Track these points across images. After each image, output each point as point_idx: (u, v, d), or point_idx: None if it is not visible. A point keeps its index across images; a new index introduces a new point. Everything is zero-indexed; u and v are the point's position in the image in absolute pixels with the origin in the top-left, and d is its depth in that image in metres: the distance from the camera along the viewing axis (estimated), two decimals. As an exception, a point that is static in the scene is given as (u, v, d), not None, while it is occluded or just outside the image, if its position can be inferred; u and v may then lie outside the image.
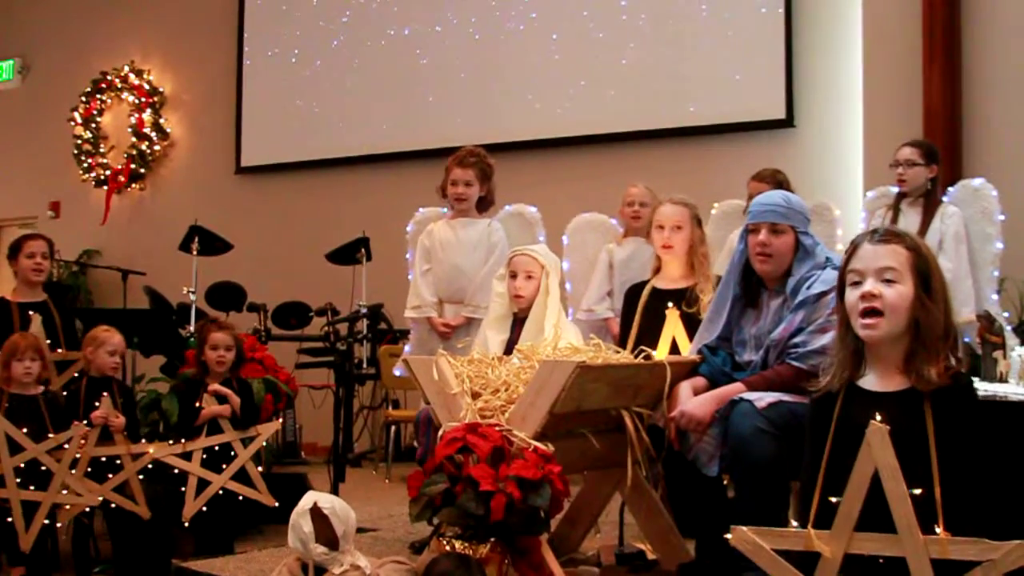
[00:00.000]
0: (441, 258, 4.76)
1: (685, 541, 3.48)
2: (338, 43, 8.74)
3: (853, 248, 2.50)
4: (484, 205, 4.83)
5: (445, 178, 4.76)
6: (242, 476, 4.38)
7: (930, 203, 4.90)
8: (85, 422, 4.18)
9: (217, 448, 4.40)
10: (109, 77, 10.00)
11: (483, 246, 4.74)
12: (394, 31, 8.44)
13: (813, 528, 2.34)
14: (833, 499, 2.32)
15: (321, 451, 7.19)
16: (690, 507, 3.45)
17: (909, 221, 4.83)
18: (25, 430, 4.08)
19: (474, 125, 7.81)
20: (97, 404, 4.23)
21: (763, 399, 3.04)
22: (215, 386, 4.47)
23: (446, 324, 4.71)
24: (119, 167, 9.89)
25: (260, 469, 4.45)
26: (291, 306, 7.20)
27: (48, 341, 4.70)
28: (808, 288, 3.19)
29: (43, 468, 4.07)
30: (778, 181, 4.94)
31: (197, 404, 4.42)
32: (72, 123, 10.12)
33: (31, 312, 4.74)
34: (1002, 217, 4.88)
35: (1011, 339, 4.13)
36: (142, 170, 9.83)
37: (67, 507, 4.10)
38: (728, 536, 2.38)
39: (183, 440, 4.37)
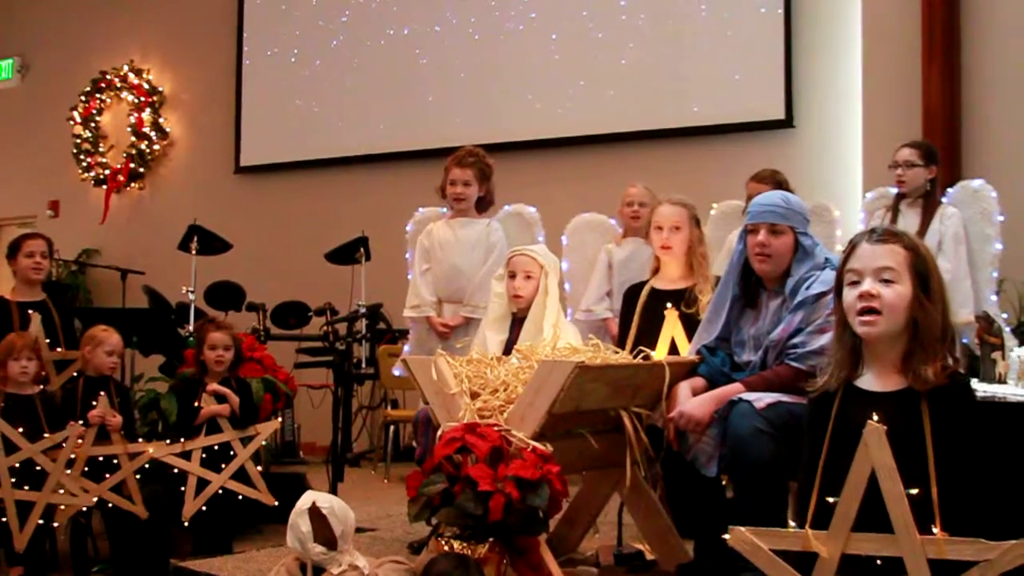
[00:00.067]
0: (440, 258, 4.76)
1: (684, 541, 3.48)
2: (337, 43, 8.74)
3: (851, 248, 2.51)
4: (483, 205, 4.83)
5: (444, 178, 4.76)
6: (241, 475, 4.38)
7: (929, 204, 4.90)
8: (81, 422, 4.17)
9: (216, 448, 4.40)
10: (108, 76, 9.99)
11: (482, 246, 4.74)
12: (393, 31, 8.44)
13: (811, 528, 2.34)
14: (830, 499, 2.32)
15: (320, 451, 7.19)
16: (689, 507, 3.45)
17: (908, 222, 4.82)
18: (21, 430, 4.08)
19: (473, 125, 7.81)
20: (94, 403, 4.23)
21: (762, 399, 3.04)
22: (214, 385, 4.47)
23: (444, 324, 4.71)
24: (118, 166, 9.89)
25: (259, 468, 4.45)
26: (290, 306, 7.21)
27: (47, 340, 4.70)
28: (807, 289, 3.19)
29: (38, 468, 4.07)
30: (777, 181, 4.93)
31: (196, 404, 4.42)
32: (71, 122, 10.11)
33: (31, 311, 4.73)
34: (1001, 218, 4.87)
35: (1010, 340, 4.13)
36: (141, 169, 9.83)
37: (62, 507, 4.10)
38: (726, 536, 2.38)
39: (182, 440, 4.37)
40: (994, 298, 4.89)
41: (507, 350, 3.81)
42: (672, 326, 3.78)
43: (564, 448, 3.05)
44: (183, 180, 9.66)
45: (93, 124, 10.08)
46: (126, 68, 9.92)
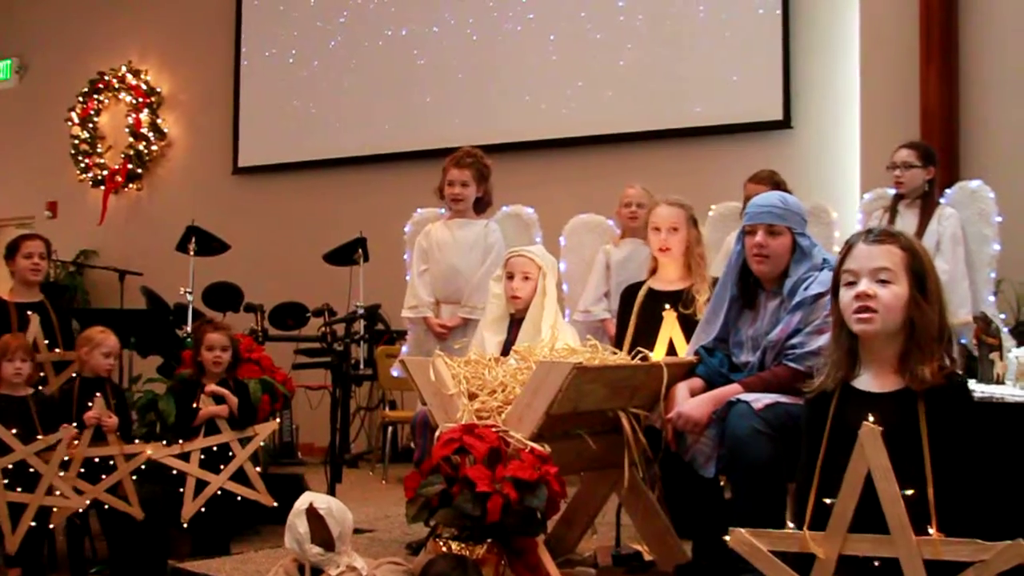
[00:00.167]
0: (438, 259, 4.76)
1: (682, 542, 3.48)
2: (335, 43, 8.74)
3: (848, 248, 2.51)
4: (481, 206, 4.83)
5: (442, 179, 4.76)
6: (240, 476, 4.37)
7: (927, 205, 4.90)
8: (75, 424, 4.16)
9: (215, 449, 4.40)
10: (106, 77, 9.99)
11: (480, 247, 4.74)
12: (391, 31, 8.44)
13: (809, 529, 2.34)
14: (828, 500, 2.32)
15: (318, 452, 7.19)
16: (687, 508, 3.44)
17: (906, 223, 4.82)
18: (14, 431, 4.05)
19: (471, 126, 7.81)
20: (90, 404, 4.22)
21: (760, 400, 3.04)
22: (212, 387, 4.47)
23: (442, 325, 4.71)
24: (116, 167, 9.88)
25: (258, 469, 4.45)
26: (288, 307, 7.21)
27: (46, 341, 4.70)
28: (805, 289, 3.19)
29: (31, 470, 4.05)
30: (775, 182, 4.92)
31: (194, 405, 4.42)
32: (69, 123, 10.11)
33: (29, 312, 4.72)
34: (999, 219, 4.88)
35: (1008, 341, 4.13)
36: (139, 170, 9.83)
37: (55, 509, 4.08)
38: (725, 537, 2.38)
39: (180, 441, 4.36)
40: (992, 299, 4.90)
41: (505, 351, 3.81)
42: (670, 327, 3.77)
43: (562, 449, 3.05)
44: (181, 181, 9.66)
45: (91, 125, 10.08)
46: (124, 69, 9.92)
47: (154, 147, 9.77)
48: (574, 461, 3.21)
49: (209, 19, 9.51)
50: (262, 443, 4.56)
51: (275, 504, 4.32)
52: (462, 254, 4.74)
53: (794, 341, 3.16)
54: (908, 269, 2.42)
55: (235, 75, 9.25)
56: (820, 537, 2.31)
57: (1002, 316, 4.93)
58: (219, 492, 4.31)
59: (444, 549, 2.87)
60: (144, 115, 9.78)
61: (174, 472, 4.31)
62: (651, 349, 3.62)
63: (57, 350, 4.73)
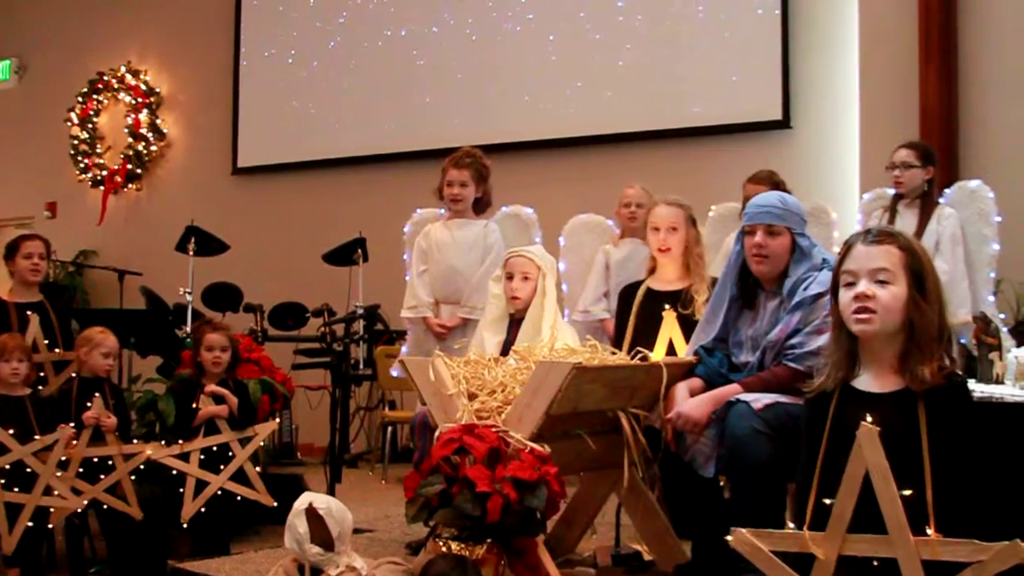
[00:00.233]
0: (437, 259, 4.76)
1: (681, 542, 3.48)
2: (335, 44, 8.74)
3: (847, 249, 2.51)
4: (481, 206, 4.82)
5: (441, 179, 4.76)
6: (240, 476, 4.38)
7: (927, 205, 4.90)
8: (72, 424, 4.15)
9: (215, 449, 4.40)
10: (106, 77, 10.00)
11: (479, 247, 4.74)
12: (391, 32, 8.44)
13: (809, 529, 2.34)
14: (827, 501, 2.32)
15: (317, 452, 7.19)
16: (687, 508, 3.44)
17: (906, 223, 4.83)
18: (11, 431, 4.05)
19: (471, 126, 7.81)
20: (89, 404, 4.22)
21: (760, 400, 3.04)
22: (212, 387, 4.47)
23: (441, 325, 4.71)
24: (115, 167, 9.89)
25: (258, 469, 4.45)
26: (288, 307, 7.21)
27: (46, 341, 4.69)
28: (805, 289, 3.19)
29: (29, 470, 4.04)
30: (774, 183, 4.92)
31: (194, 405, 4.42)
32: (69, 123, 10.12)
33: (29, 312, 4.72)
34: (999, 219, 4.88)
35: (1007, 340, 4.14)
36: (139, 170, 9.83)
37: (53, 509, 4.08)
38: (724, 537, 2.38)
39: (180, 441, 4.36)
40: (991, 299, 4.90)
41: (505, 351, 3.81)
42: (670, 327, 3.77)
43: (562, 449, 3.05)
44: (180, 181, 9.66)
45: (90, 125, 10.08)
46: (123, 69, 9.92)
47: (153, 147, 9.78)
48: (574, 461, 3.21)
49: (208, 19, 9.51)
50: (262, 443, 4.55)
51: (275, 504, 4.32)
52: (461, 254, 4.74)
53: (793, 341, 3.16)
54: (907, 269, 2.42)
55: (234, 75, 9.26)
56: (819, 537, 2.31)
57: (1002, 316, 4.93)
58: (219, 492, 4.31)
59: (444, 549, 2.87)
60: (143, 115, 9.78)
61: (174, 472, 4.31)
62: (650, 349, 3.62)
63: (57, 350, 4.73)
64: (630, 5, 7.37)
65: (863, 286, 2.42)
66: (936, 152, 5.09)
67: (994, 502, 2.37)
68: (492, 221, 4.85)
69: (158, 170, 9.84)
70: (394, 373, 5.65)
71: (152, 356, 5.92)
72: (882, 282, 2.41)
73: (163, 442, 4.39)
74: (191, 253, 6.55)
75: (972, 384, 3.23)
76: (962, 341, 4.27)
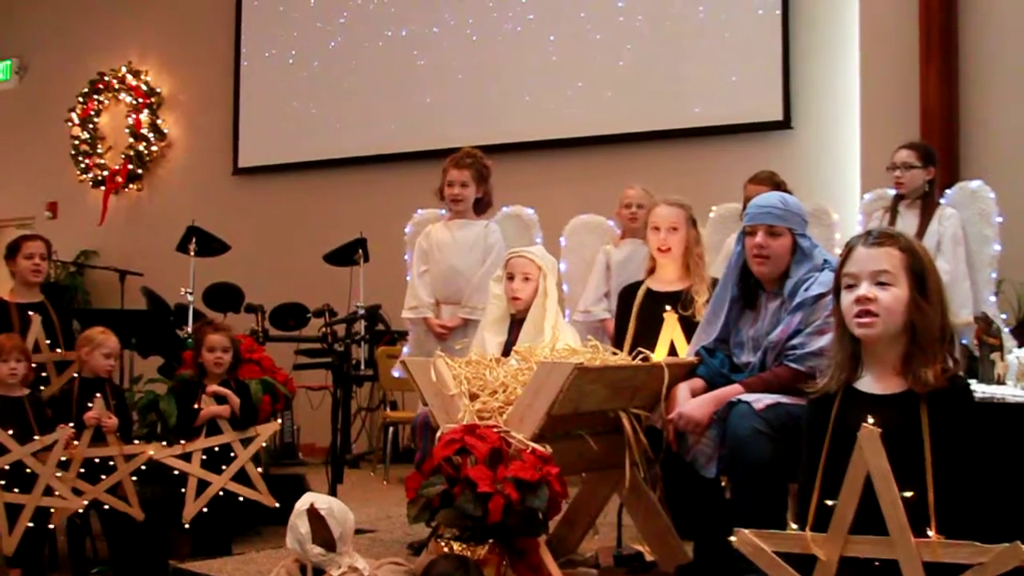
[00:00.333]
0: (438, 259, 4.76)
1: (683, 542, 3.48)
2: (335, 44, 8.75)
3: (848, 251, 2.50)
4: (481, 207, 4.82)
5: (442, 179, 4.76)
6: (242, 477, 4.38)
7: (928, 205, 4.90)
8: (73, 425, 4.15)
9: (216, 449, 4.40)
10: (106, 78, 10.00)
11: (480, 247, 4.74)
12: (391, 32, 8.45)
13: (811, 530, 2.34)
14: (829, 502, 2.32)
15: (319, 452, 7.19)
16: (688, 509, 3.45)
17: (907, 223, 4.83)
18: (10, 432, 4.04)
19: (471, 126, 7.81)
20: (90, 405, 4.22)
21: (761, 401, 3.05)
22: (214, 387, 4.47)
23: (442, 325, 4.70)
24: (116, 168, 9.89)
25: (259, 470, 4.45)
26: (289, 307, 7.21)
27: (48, 341, 4.70)
28: (806, 290, 3.20)
29: (28, 471, 4.03)
30: (775, 183, 4.92)
31: (196, 406, 4.42)
32: (69, 124, 10.12)
33: (31, 312, 4.72)
34: (1000, 219, 4.87)
35: (1008, 341, 4.13)
36: (139, 171, 9.84)
37: (53, 510, 4.08)
38: (726, 538, 2.38)
39: (182, 441, 4.36)
40: (993, 299, 4.90)
41: (506, 351, 3.81)
42: (671, 328, 3.77)
43: (563, 449, 3.05)
44: (181, 181, 9.66)
45: (91, 125, 10.08)
46: (124, 69, 9.93)
47: (154, 147, 9.78)
48: (575, 461, 3.21)
49: (209, 20, 9.51)
50: (263, 444, 4.56)
51: (276, 505, 4.32)
52: (462, 255, 4.74)
53: (795, 342, 3.16)
54: (908, 270, 2.42)
55: (235, 75, 9.26)
56: (821, 538, 2.31)
57: (1003, 316, 4.94)
58: (220, 493, 4.31)
59: (446, 549, 2.87)
60: (144, 115, 9.78)
61: (175, 472, 4.31)
62: (650, 350, 3.62)
63: (58, 350, 4.73)
64: (630, 5, 7.37)
65: (864, 289, 2.42)
66: (937, 152, 5.09)
67: (995, 504, 2.37)
68: (493, 221, 4.85)
69: (159, 170, 9.84)
70: (395, 374, 5.65)
71: (153, 356, 5.93)
72: (883, 284, 2.41)
73: (164, 442, 4.39)
74: (192, 253, 6.55)
75: (973, 385, 3.22)
76: (963, 342, 4.27)
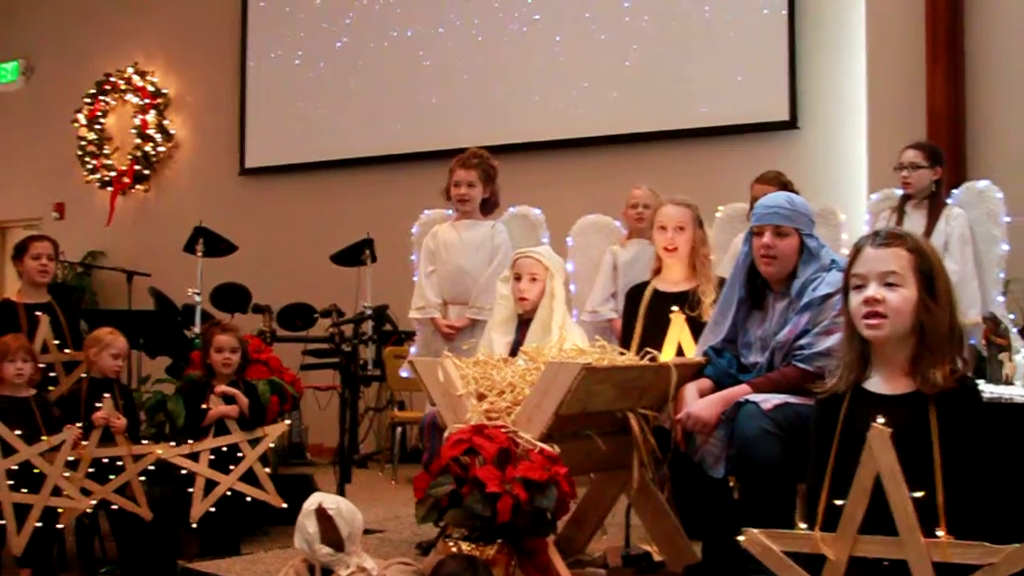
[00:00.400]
0: (445, 259, 4.77)
1: (691, 543, 3.48)
2: (341, 45, 8.76)
3: (856, 251, 2.50)
4: (488, 207, 4.83)
5: (449, 180, 4.77)
6: (250, 477, 4.38)
7: (935, 205, 4.90)
8: (79, 425, 4.16)
9: (224, 449, 4.40)
10: (113, 79, 10.02)
11: (486, 248, 4.74)
12: (397, 33, 8.46)
13: (820, 530, 2.34)
14: (838, 502, 2.32)
15: (327, 452, 7.21)
16: (696, 509, 3.45)
17: (914, 223, 4.83)
18: (18, 432, 4.04)
19: (477, 126, 7.82)
20: (98, 405, 4.23)
21: (769, 401, 3.05)
22: (223, 387, 4.47)
23: (450, 325, 4.71)
24: (123, 168, 9.91)
25: (267, 470, 4.46)
26: (296, 307, 7.23)
27: (56, 342, 4.71)
28: (813, 290, 3.20)
29: (36, 471, 4.03)
30: (782, 183, 4.93)
31: (204, 406, 4.42)
32: (76, 125, 10.14)
33: (39, 313, 4.73)
34: (1007, 219, 4.88)
35: (1016, 341, 4.12)
36: (146, 171, 9.86)
37: (61, 510, 4.08)
38: (734, 538, 2.39)
39: (190, 441, 4.37)
40: (1001, 299, 4.90)
41: (513, 352, 3.81)
42: (679, 329, 3.77)
43: (571, 449, 3.05)
44: (188, 182, 9.68)
45: (98, 126, 10.10)
46: (131, 70, 9.95)
47: (161, 148, 9.80)
48: (584, 462, 3.22)
49: (215, 21, 9.53)
50: (271, 444, 4.56)
51: (284, 505, 4.32)
52: (469, 255, 4.74)
53: (802, 342, 3.16)
54: (916, 270, 2.41)
55: (241, 76, 9.28)
56: (830, 538, 2.31)
57: (1011, 316, 4.92)
58: (228, 493, 4.31)
59: (454, 549, 2.88)
60: (151, 116, 9.80)
61: (183, 472, 4.32)
62: (658, 350, 3.62)
63: (67, 351, 4.74)
64: (636, 5, 7.37)
65: (872, 290, 2.41)
66: (944, 152, 5.09)
67: (1004, 504, 2.37)
68: (499, 222, 4.85)
69: (166, 171, 9.86)
70: (403, 374, 5.67)
71: (161, 357, 5.94)
72: (892, 285, 2.41)
73: (173, 443, 4.39)
74: (199, 254, 6.56)
75: (981, 385, 3.23)
76: (972, 342, 4.27)
